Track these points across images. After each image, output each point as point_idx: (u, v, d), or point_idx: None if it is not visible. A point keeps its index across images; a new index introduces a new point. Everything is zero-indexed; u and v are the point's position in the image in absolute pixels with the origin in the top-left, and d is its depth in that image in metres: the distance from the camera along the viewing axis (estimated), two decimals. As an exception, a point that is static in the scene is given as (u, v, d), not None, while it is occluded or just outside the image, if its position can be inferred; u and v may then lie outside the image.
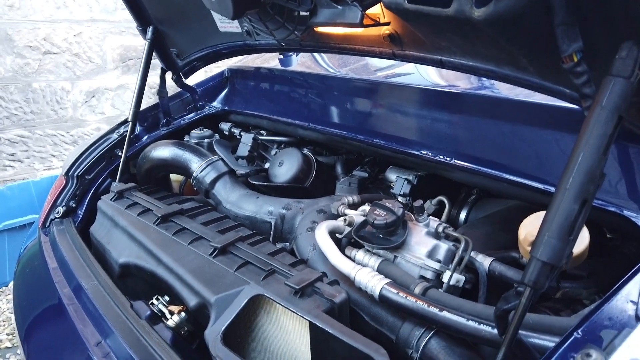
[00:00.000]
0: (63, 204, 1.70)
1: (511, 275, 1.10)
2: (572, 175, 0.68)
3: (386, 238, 1.16)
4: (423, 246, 1.13)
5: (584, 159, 0.67)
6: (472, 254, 1.14)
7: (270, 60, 2.04)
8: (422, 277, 1.11)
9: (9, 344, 2.79)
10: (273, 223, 1.43)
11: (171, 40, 1.80)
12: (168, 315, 1.16)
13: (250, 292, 1.06)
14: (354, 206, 1.39)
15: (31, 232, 1.85)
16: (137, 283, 1.37)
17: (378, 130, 1.43)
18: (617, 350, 0.65)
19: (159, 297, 1.22)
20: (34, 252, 1.66)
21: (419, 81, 1.48)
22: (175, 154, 1.65)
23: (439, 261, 1.11)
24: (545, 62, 0.82)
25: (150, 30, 1.77)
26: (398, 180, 1.51)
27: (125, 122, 1.85)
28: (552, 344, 0.83)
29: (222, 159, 1.62)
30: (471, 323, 0.90)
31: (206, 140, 1.87)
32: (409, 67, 1.67)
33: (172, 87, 2.06)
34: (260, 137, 1.79)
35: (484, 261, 1.14)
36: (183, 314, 1.17)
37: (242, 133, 1.83)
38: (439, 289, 1.05)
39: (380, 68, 1.73)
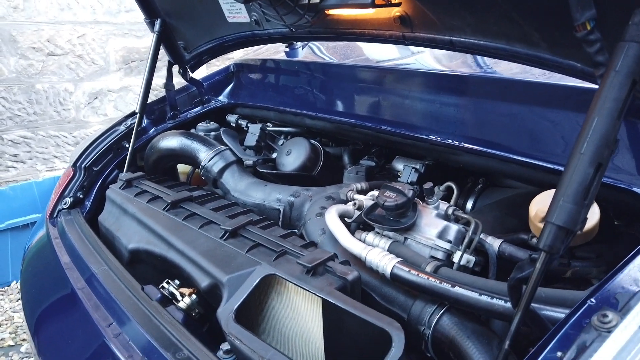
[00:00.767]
0: (71, 194, 1.71)
1: (521, 256, 1.11)
2: (587, 139, 0.68)
3: (396, 220, 1.17)
4: (433, 227, 1.14)
5: (598, 123, 0.68)
6: (482, 236, 1.15)
7: (275, 56, 2.05)
8: (433, 258, 1.12)
9: (11, 342, 2.78)
10: (282, 210, 1.44)
11: (179, 32, 1.81)
12: (179, 297, 1.17)
13: (262, 272, 1.06)
14: (362, 192, 1.39)
15: (36, 226, 1.85)
16: (146, 270, 1.38)
17: (386, 117, 1.44)
18: (633, 309, 0.66)
19: (169, 280, 1.23)
20: (41, 242, 1.66)
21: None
22: (184, 144, 1.66)
23: (450, 242, 1.12)
24: (557, 36, 0.84)
25: (158, 22, 1.78)
26: (405, 168, 1.52)
27: (132, 114, 1.86)
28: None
29: (230, 149, 1.63)
30: (484, 298, 0.90)
31: (212, 133, 1.88)
32: (409, 60, 1.69)
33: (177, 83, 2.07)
34: (267, 128, 1.79)
35: (494, 243, 1.15)
36: (194, 296, 1.18)
37: (249, 125, 1.85)
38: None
39: (381, 61, 1.75)
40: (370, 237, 1.19)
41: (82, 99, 4.10)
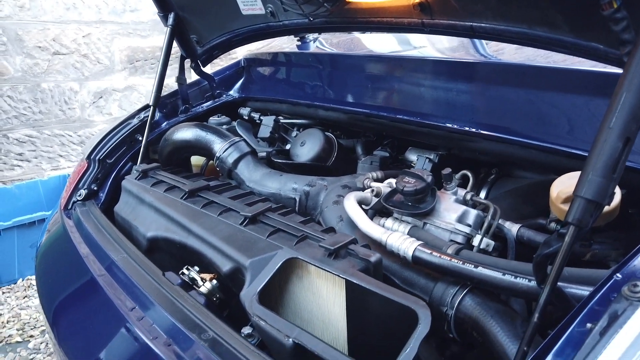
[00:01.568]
0: (85, 186, 1.72)
1: (540, 240, 1.12)
2: (615, 114, 0.70)
3: (415, 205, 1.18)
4: (453, 212, 1.15)
5: (626, 98, 0.69)
6: (500, 221, 1.16)
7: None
8: (452, 242, 1.13)
9: (19, 339, 2.79)
10: (297, 199, 1.45)
11: (192, 26, 1.83)
12: (200, 282, 1.17)
13: (284, 255, 1.07)
14: (378, 181, 1.41)
15: (47, 222, 1.85)
16: (163, 259, 1.39)
17: (401, 107, 1.45)
18: (664, 279, 0.67)
19: (189, 267, 1.24)
20: (56, 235, 1.67)
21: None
22: (198, 135, 1.67)
23: (469, 225, 1.13)
24: (580, 17, 0.85)
25: (171, 16, 1.80)
26: (419, 159, 1.53)
27: (145, 107, 1.88)
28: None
29: (245, 140, 1.64)
30: (507, 277, 0.91)
31: (224, 127, 1.89)
32: (412, 52, 1.71)
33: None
34: (280, 120, 1.81)
35: (512, 227, 1.16)
36: (215, 281, 1.19)
37: (261, 117, 1.86)
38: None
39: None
40: (389, 222, 1.20)
41: (87, 98, 4.11)
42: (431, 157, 1.53)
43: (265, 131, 1.72)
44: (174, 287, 1.14)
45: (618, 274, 0.75)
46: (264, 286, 1.03)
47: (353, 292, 0.99)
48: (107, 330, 1.16)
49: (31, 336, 2.81)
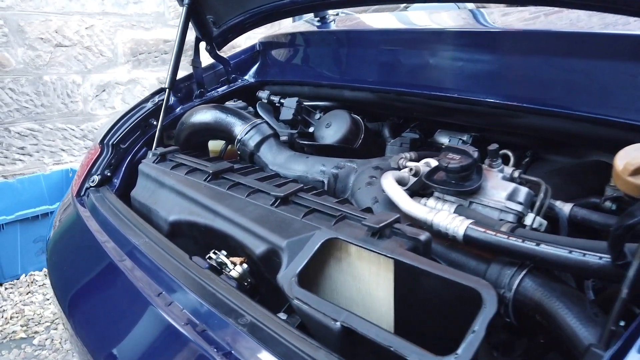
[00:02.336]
0: (98, 172, 1.64)
1: (596, 219, 1.05)
2: None
3: (460, 183, 1.10)
4: (502, 190, 1.08)
5: None
6: (550, 200, 1.09)
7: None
8: (503, 220, 1.05)
9: (23, 335, 2.71)
10: (326, 182, 1.37)
11: (209, 6, 1.75)
12: (230, 266, 1.10)
13: (323, 236, 0.99)
14: (413, 161, 1.33)
15: (55, 214, 1.76)
16: (186, 243, 1.31)
17: (436, 84, 1.36)
18: None
19: (216, 251, 1.16)
20: (68, 222, 1.58)
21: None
22: (218, 117, 1.59)
23: (521, 204, 1.06)
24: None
25: (187, -5, 1.72)
26: (452, 140, 1.46)
27: (160, 91, 1.80)
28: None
29: (267, 122, 1.56)
30: (575, 255, 0.84)
31: (242, 112, 1.82)
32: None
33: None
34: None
35: (564, 207, 1.09)
36: (245, 265, 1.11)
37: (282, 100, 1.78)
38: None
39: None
40: (431, 202, 1.13)
41: (89, 91, 4.03)
42: (464, 138, 1.45)
43: (287, 113, 1.64)
44: (203, 271, 1.06)
45: None
46: (303, 268, 0.95)
47: (403, 274, 0.91)
48: (131, 317, 1.08)
49: (36, 332, 2.73)
